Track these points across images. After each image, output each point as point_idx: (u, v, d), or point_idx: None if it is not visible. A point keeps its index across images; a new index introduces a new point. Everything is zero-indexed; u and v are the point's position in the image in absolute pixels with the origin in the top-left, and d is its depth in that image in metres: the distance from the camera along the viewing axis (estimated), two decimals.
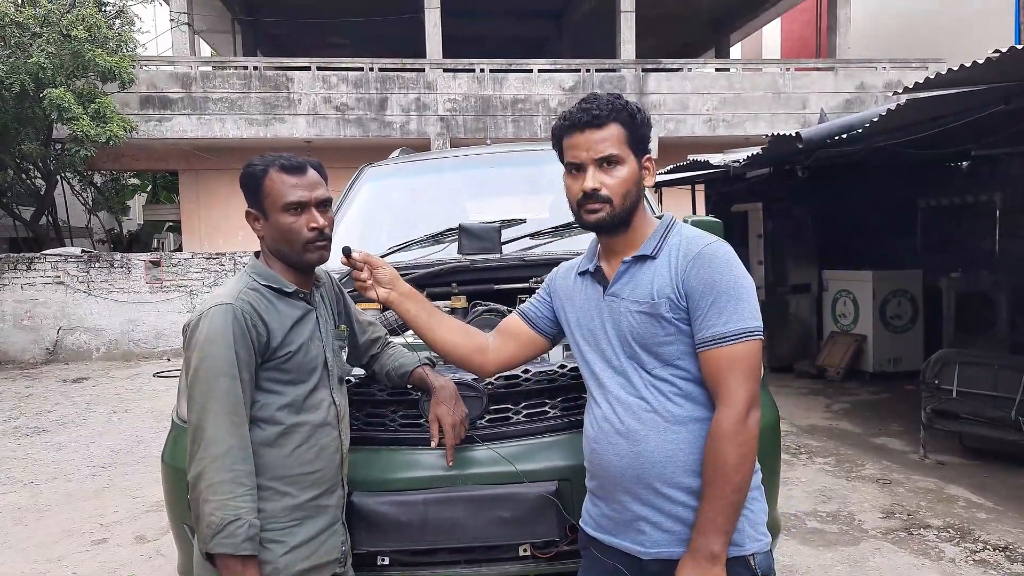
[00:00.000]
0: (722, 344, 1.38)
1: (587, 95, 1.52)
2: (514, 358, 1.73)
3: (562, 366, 1.99)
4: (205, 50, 19.59)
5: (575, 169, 1.50)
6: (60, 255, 11.17)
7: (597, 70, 13.96)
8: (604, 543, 1.53)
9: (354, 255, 1.70)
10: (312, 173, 1.65)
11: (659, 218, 1.57)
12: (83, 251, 11.75)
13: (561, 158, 1.54)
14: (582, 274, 1.61)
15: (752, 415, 1.37)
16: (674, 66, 14.50)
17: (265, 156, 1.66)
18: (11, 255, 11.10)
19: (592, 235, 1.59)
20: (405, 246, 2.79)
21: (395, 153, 3.95)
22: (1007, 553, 3.41)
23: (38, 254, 11.16)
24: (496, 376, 1.96)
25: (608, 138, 1.46)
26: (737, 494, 1.35)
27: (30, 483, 4.96)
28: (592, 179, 1.46)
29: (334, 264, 1.84)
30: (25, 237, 14.30)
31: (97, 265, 11.05)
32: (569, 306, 1.62)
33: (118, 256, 11.42)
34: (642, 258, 1.49)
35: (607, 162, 1.46)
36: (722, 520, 1.35)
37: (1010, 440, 4.41)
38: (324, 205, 1.66)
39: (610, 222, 1.48)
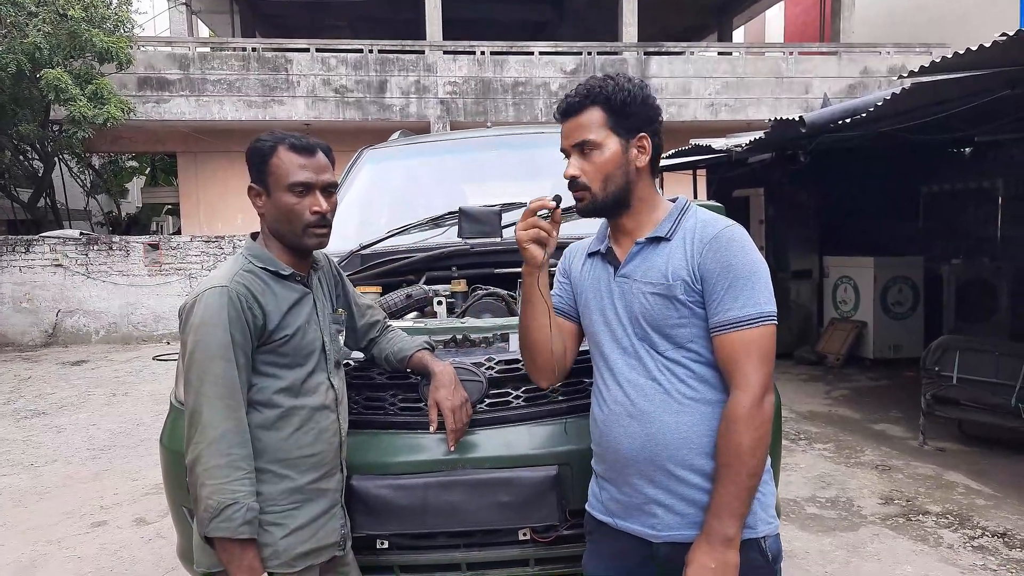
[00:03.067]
0: (738, 328, 1.37)
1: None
2: (570, 358, 1.66)
3: None
4: (203, 31, 19.41)
5: (565, 156, 1.51)
6: (59, 238, 11.14)
7: (599, 53, 13.85)
8: (612, 527, 1.52)
9: (559, 209, 1.49)
10: (321, 156, 1.63)
11: (673, 201, 1.55)
12: (82, 233, 11.71)
13: None
14: (591, 255, 1.59)
15: (767, 399, 1.37)
16: (676, 50, 14.39)
17: (275, 133, 1.63)
18: (9, 237, 11.06)
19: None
20: (405, 229, 2.77)
21: (395, 136, 3.91)
22: (1006, 539, 3.41)
23: (36, 236, 11.12)
24: (496, 360, 1.95)
25: (583, 124, 1.46)
26: (752, 478, 1.35)
27: (30, 465, 4.97)
28: (570, 167, 1.48)
29: (333, 247, 1.82)
30: (23, 219, 14.27)
31: (96, 248, 11.02)
32: (580, 286, 1.60)
33: (117, 239, 11.39)
34: (656, 240, 1.47)
35: (584, 148, 1.46)
36: (737, 504, 1.34)
37: (1010, 427, 4.41)
38: (329, 190, 1.63)
39: (592, 208, 1.49)
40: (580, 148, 1.47)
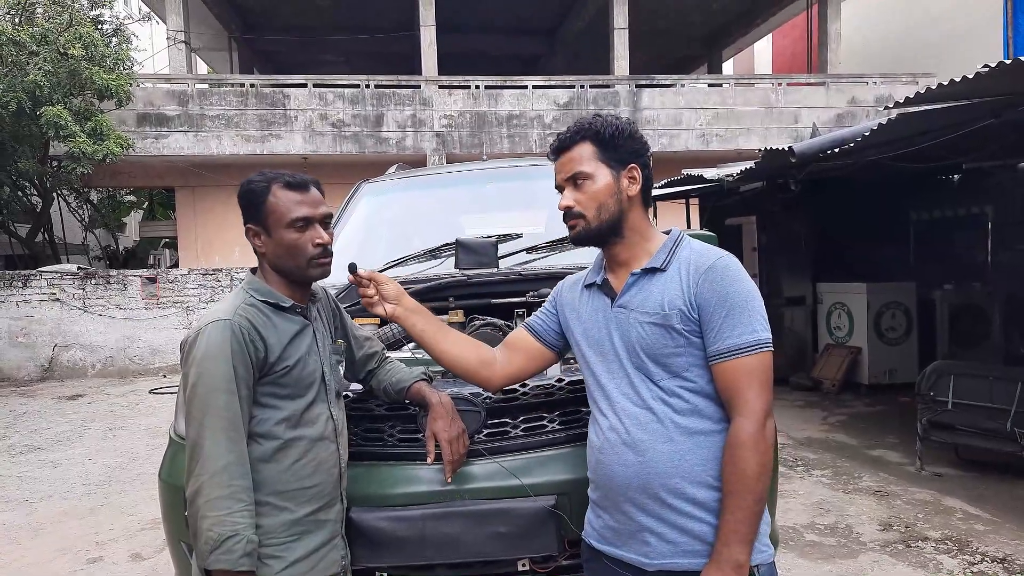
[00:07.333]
0: (737, 355, 1.40)
1: None
2: (521, 371, 1.75)
3: (560, 380, 2.00)
4: (202, 68, 19.67)
5: (559, 191, 1.59)
6: (56, 272, 11.15)
7: (591, 86, 14.06)
8: (607, 555, 1.53)
9: (360, 272, 1.73)
10: (314, 190, 1.68)
11: (666, 233, 1.59)
12: (79, 268, 11.73)
13: None
14: (588, 287, 1.63)
15: (769, 424, 1.40)
16: (667, 82, 14.61)
17: (265, 173, 1.67)
18: (7, 272, 11.08)
19: (598, 249, 1.62)
20: (402, 261, 2.81)
21: (391, 169, 3.97)
22: (1005, 564, 3.41)
23: (34, 271, 11.14)
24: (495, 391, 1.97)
25: (575, 158, 1.54)
26: (759, 503, 1.37)
27: (25, 501, 4.92)
28: (565, 198, 1.56)
29: (331, 280, 1.86)
30: (21, 254, 14.28)
31: (93, 282, 11.03)
32: (575, 319, 1.63)
33: (114, 273, 11.40)
34: (652, 270, 1.51)
35: (576, 179, 1.54)
36: (745, 529, 1.36)
37: (1006, 451, 4.42)
38: (326, 221, 1.68)
39: (586, 235, 1.55)
40: (573, 180, 1.54)
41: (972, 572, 3.35)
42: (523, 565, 1.89)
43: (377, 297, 1.74)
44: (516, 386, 1.97)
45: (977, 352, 6.52)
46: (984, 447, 4.55)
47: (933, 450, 4.93)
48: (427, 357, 2.12)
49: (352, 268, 1.72)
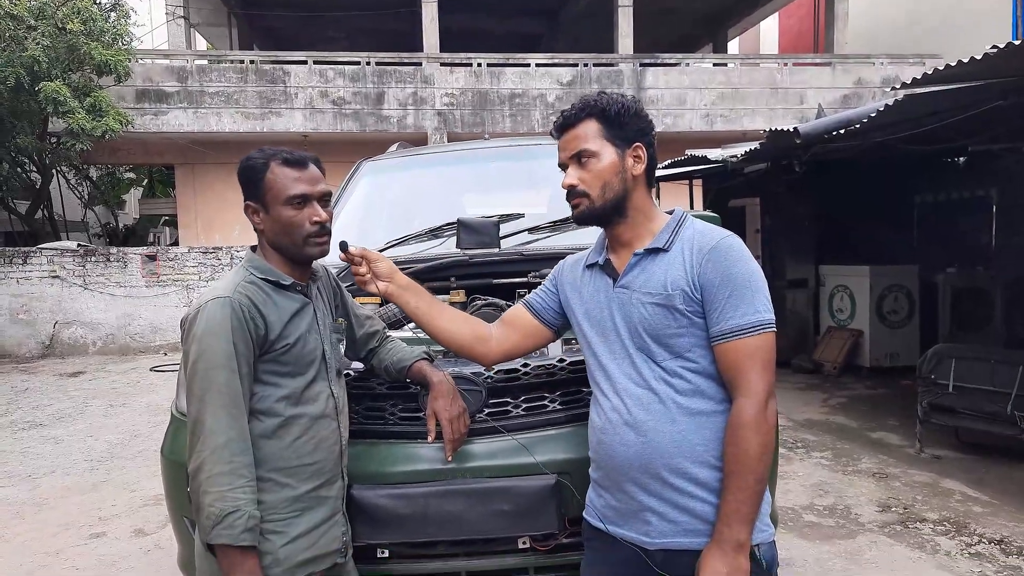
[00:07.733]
0: (740, 336, 1.39)
1: None
2: (517, 348, 1.74)
3: (561, 360, 1.99)
4: (201, 43, 19.49)
5: (563, 169, 1.56)
6: (56, 249, 11.15)
7: (595, 65, 13.93)
8: (609, 533, 1.54)
9: (351, 249, 1.71)
10: (313, 168, 1.66)
11: (669, 213, 1.57)
12: (79, 245, 11.73)
13: None
14: (590, 267, 1.62)
15: (771, 405, 1.40)
16: (672, 61, 14.48)
17: (264, 150, 1.66)
18: (7, 249, 11.07)
19: (600, 229, 1.61)
20: (403, 241, 2.79)
21: (393, 147, 3.94)
22: (1002, 546, 3.43)
23: (34, 248, 11.14)
24: (495, 370, 1.96)
25: (580, 135, 1.51)
26: (760, 483, 1.37)
27: (28, 477, 4.96)
28: (569, 176, 1.53)
29: (331, 258, 1.84)
30: (20, 231, 14.27)
31: (93, 259, 11.03)
32: (576, 298, 1.62)
33: (114, 250, 11.40)
34: (654, 251, 1.50)
35: (581, 157, 1.51)
36: (746, 510, 1.36)
37: (1006, 434, 4.43)
38: (325, 199, 1.67)
39: (590, 214, 1.53)
40: (578, 158, 1.51)
41: (969, 553, 3.37)
42: (523, 543, 1.90)
43: (369, 275, 1.72)
44: (517, 366, 1.97)
45: (979, 335, 6.52)
46: (984, 430, 4.56)
47: (933, 433, 4.94)
48: (427, 337, 2.12)
49: (343, 246, 1.69)
